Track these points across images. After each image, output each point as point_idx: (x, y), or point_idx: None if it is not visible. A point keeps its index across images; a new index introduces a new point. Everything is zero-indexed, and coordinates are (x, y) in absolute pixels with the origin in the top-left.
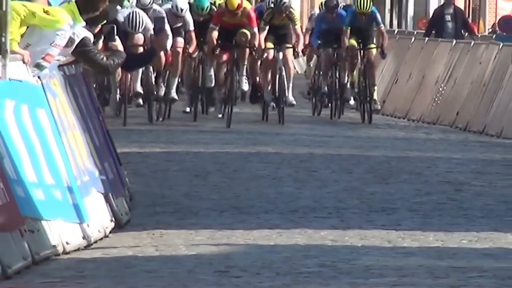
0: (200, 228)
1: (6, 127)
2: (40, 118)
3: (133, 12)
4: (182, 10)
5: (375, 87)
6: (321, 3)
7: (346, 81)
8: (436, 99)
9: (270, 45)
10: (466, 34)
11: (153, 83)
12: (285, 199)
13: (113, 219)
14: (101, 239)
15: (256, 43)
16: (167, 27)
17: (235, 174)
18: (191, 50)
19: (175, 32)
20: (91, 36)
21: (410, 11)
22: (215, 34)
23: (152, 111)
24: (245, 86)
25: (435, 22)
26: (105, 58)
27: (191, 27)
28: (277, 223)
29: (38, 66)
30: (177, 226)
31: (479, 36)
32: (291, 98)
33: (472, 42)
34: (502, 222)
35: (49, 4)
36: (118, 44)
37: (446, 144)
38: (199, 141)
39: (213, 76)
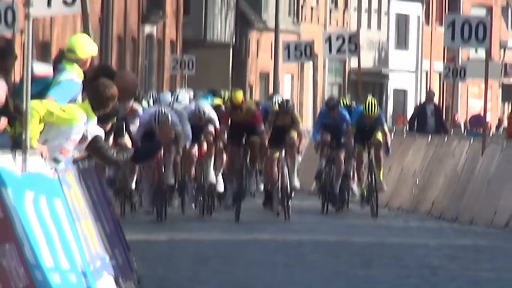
0: None
1: (26, 216)
2: (56, 207)
3: (158, 110)
4: (205, 113)
5: (382, 170)
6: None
7: (351, 175)
8: (413, 189)
9: (275, 152)
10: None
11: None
12: (279, 283)
13: None
14: None
15: (264, 141)
16: (187, 127)
17: (233, 260)
18: (221, 145)
19: (201, 129)
20: (102, 133)
21: (390, 109)
22: (225, 134)
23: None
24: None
25: (417, 117)
26: (115, 153)
27: (217, 124)
28: None
29: (55, 160)
30: None
31: (451, 132)
32: (296, 182)
33: (446, 137)
34: None
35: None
36: (127, 139)
37: (423, 231)
38: (201, 229)
39: (221, 181)
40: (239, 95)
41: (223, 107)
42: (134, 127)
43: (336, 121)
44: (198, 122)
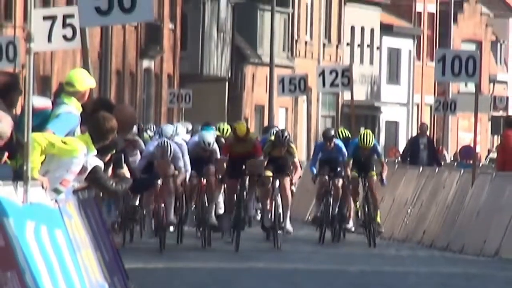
0: None
1: (27, 245)
2: (57, 237)
3: (162, 141)
4: (209, 144)
5: (378, 211)
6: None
7: (345, 209)
8: (405, 219)
9: (269, 173)
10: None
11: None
12: None
13: None
14: None
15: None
16: (187, 159)
17: (230, 287)
18: (220, 175)
19: (205, 161)
20: (101, 164)
21: (382, 141)
22: (224, 164)
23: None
24: (252, 212)
25: (411, 150)
26: (114, 184)
27: (218, 156)
28: None
29: (56, 191)
30: None
31: (442, 163)
32: (288, 226)
33: (437, 169)
34: None
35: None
36: (125, 171)
37: (414, 259)
38: (198, 258)
39: (222, 203)
40: (243, 127)
41: (222, 139)
42: (135, 158)
43: (332, 153)
44: (201, 154)
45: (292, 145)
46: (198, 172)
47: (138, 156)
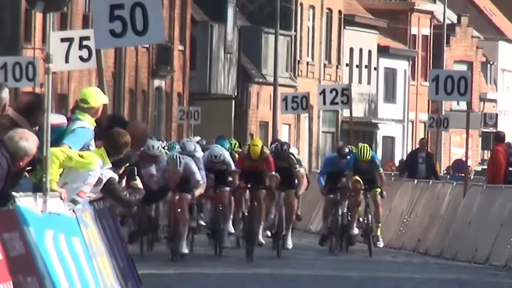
0: None
1: (47, 252)
2: (74, 244)
3: (173, 155)
4: (215, 157)
5: (379, 225)
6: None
7: (350, 218)
8: (401, 228)
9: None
10: (433, 179)
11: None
12: None
13: None
14: None
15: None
16: (203, 172)
17: None
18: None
19: (220, 172)
20: (116, 176)
21: (379, 156)
22: (238, 176)
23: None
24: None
25: (409, 164)
26: (128, 195)
27: (232, 167)
28: None
29: (73, 201)
30: None
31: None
32: (289, 241)
33: (431, 181)
34: None
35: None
36: (138, 182)
37: (410, 266)
38: (207, 264)
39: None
40: (257, 149)
41: (234, 153)
42: (148, 171)
43: (342, 168)
44: (213, 166)
45: (292, 157)
46: (211, 185)
47: (153, 169)
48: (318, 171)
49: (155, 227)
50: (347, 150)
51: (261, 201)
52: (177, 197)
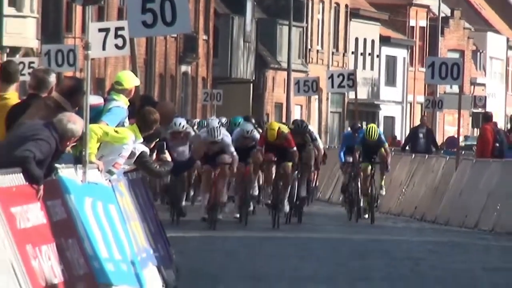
0: None
1: (86, 217)
2: (110, 211)
3: (213, 128)
4: (247, 132)
5: (384, 178)
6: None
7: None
8: (400, 197)
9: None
10: (434, 150)
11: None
12: (291, 271)
13: (164, 285)
14: None
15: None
16: (232, 148)
17: (255, 252)
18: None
19: (249, 149)
20: (147, 150)
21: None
22: (261, 153)
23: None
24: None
25: (411, 139)
26: (158, 167)
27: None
28: None
29: (109, 172)
30: None
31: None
32: (302, 191)
33: (426, 156)
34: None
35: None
36: (167, 156)
37: (408, 230)
38: (229, 228)
39: (257, 187)
40: (273, 132)
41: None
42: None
43: (356, 141)
44: (244, 142)
45: (309, 135)
46: (242, 160)
47: (185, 145)
48: (327, 146)
49: (186, 194)
50: (359, 125)
51: (288, 174)
52: (217, 170)
